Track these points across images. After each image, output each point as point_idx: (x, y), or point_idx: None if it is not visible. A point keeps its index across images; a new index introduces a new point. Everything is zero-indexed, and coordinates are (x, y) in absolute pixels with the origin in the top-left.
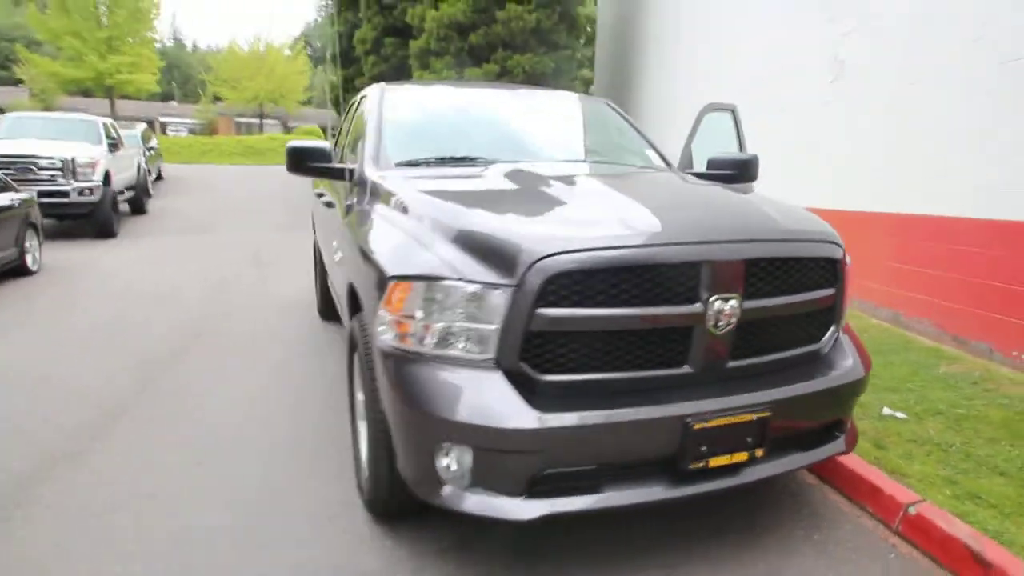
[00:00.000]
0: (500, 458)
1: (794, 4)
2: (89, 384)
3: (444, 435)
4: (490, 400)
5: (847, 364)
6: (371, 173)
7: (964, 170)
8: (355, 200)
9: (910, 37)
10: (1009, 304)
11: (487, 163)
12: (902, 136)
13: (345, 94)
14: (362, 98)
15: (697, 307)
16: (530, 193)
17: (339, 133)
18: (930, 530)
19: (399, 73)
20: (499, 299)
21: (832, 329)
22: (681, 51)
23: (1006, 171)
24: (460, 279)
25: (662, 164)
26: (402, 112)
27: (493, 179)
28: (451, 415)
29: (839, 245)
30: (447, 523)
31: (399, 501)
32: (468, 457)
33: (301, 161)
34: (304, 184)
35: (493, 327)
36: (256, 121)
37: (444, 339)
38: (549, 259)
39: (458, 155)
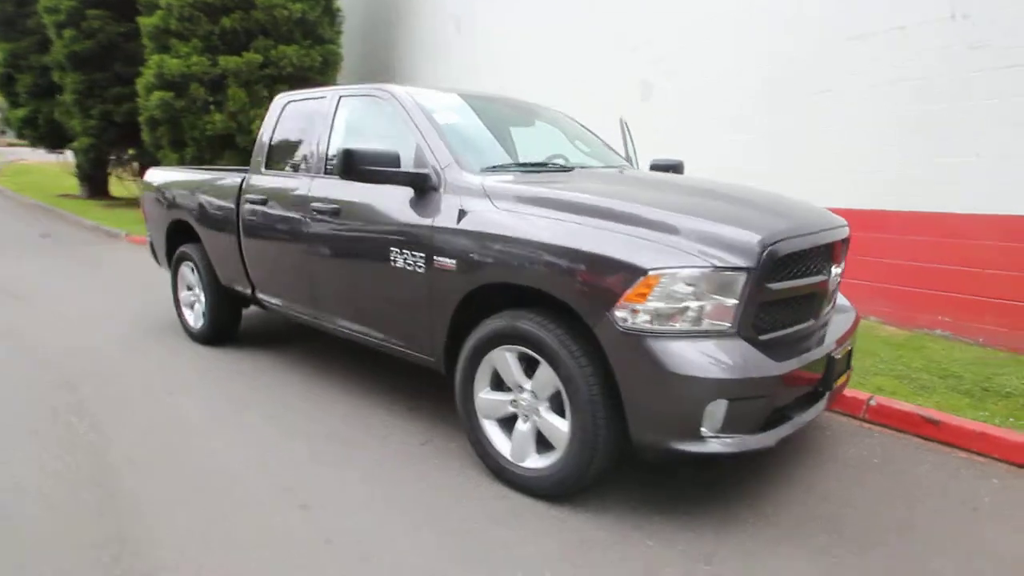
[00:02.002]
0: (751, 404)
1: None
2: None
3: (712, 393)
4: (746, 359)
5: (851, 307)
6: (471, 179)
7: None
8: (437, 206)
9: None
10: None
11: (563, 168)
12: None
13: (16, 72)
14: (345, 98)
15: (824, 275)
16: (677, 193)
17: (265, 140)
18: (888, 411)
19: (108, 52)
20: (740, 279)
21: None
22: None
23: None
24: (709, 267)
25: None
26: (448, 118)
27: (620, 181)
28: (721, 375)
29: None
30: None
31: (602, 470)
32: (722, 408)
33: (357, 165)
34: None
35: (734, 303)
36: None
37: (696, 318)
38: (777, 244)
39: (524, 160)
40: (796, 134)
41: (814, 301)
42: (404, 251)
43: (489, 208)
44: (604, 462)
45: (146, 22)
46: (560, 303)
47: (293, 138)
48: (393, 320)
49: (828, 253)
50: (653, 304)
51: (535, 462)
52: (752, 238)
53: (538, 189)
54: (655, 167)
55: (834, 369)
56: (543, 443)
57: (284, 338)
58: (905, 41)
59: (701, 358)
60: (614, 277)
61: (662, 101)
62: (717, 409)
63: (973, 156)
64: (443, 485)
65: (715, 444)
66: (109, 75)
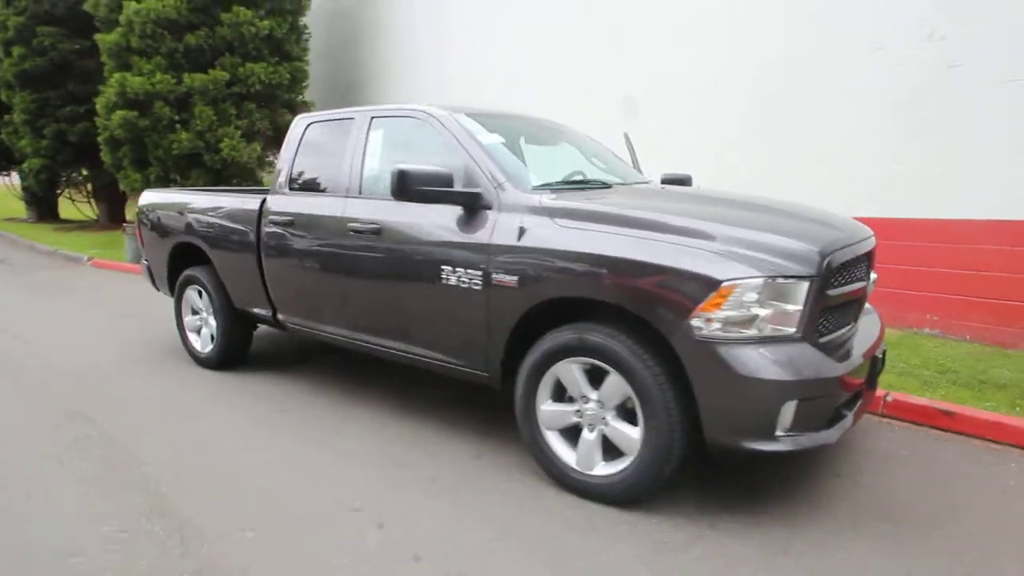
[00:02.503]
0: (818, 403)
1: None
2: None
3: (786, 395)
4: (813, 362)
5: (873, 310)
6: (527, 197)
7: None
8: (493, 224)
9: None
10: None
11: (603, 185)
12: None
13: None
14: (386, 119)
15: (864, 281)
16: (729, 207)
17: (287, 161)
18: (905, 406)
19: (62, 70)
20: (804, 287)
21: None
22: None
23: None
24: (778, 276)
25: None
26: (489, 138)
27: (667, 196)
28: (794, 378)
29: None
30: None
31: (673, 473)
32: (792, 408)
33: (411, 185)
34: None
35: (800, 309)
36: None
37: (765, 324)
38: (834, 254)
39: (566, 179)
40: (781, 145)
41: (856, 306)
42: (457, 269)
43: (551, 225)
44: (676, 465)
45: (105, 39)
46: (627, 315)
47: (319, 159)
48: (442, 337)
49: (868, 261)
50: (726, 313)
51: (604, 469)
52: (813, 248)
53: (595, 206)
54: (666, 181)
55: (877, 368)
56: (608, 451)
57: (296, 359)
58: (885, 58)
59: (775, 362)
60: (689, 288)
61: (648, 119)
62: (788, 409)
63: (953, 166)
64: (511, 497)
65: (786, 442)
66: (62, 94)
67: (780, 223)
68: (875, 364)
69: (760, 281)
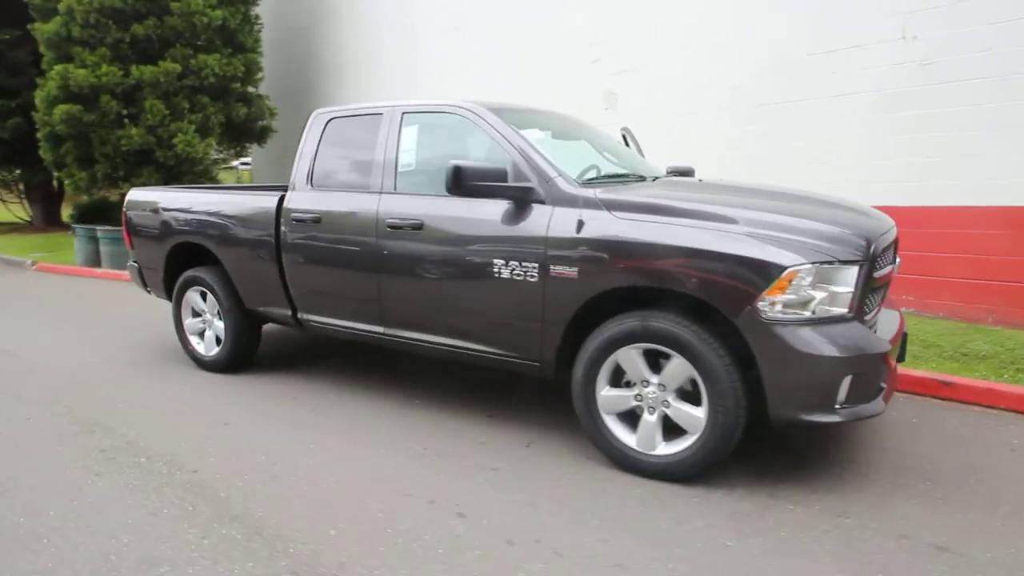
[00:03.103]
0: (869, 377)
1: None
2: None
3: (846, 370)
4: (866, 339)
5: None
6: (581, 191)
7: None
8: (547, 218)
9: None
10: None
11: (641, 178)
12: None
13: None
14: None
15: (893, 265)
16: (774, 199)
17: (308, 158)
18: (907, 378)
19: None
20: (856, 271)
21: None
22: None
23: None
24: (835, 261)
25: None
26: (531, 134)
27: (709, 188)
28: (852, 354)
29: None
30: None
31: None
32: (847, 382)
33: (466, 181)
34: None
35: (851, 291)
36: None
37: (823, 306)
38: (879, 239)
39: (607, 173)
40: (760, 139)
41: (885, 288)
42: (512, 262)
43: (609, 218)
44: (736, 441)
45: (43, 29)
46: (686, 300)
47: (345, 155)
48: (492, 330)
49: (895, 247)
50: (790, 296)
51: (666, 449)
52: (862, 235)
53: (649, 198)
54: (672, 172)
55: (906, 344)
56: (667, 431)
57: (301, 358)
58: (862, 58)
59: (834, 341)
60: (757, 275)
61: (628, 113)
62: (845, 383)
63: (926, 157)
64: (576, 481)
65: (843, 414)
66: None
67: (825, 212)
68: (904, 340)
69: (819, 266)
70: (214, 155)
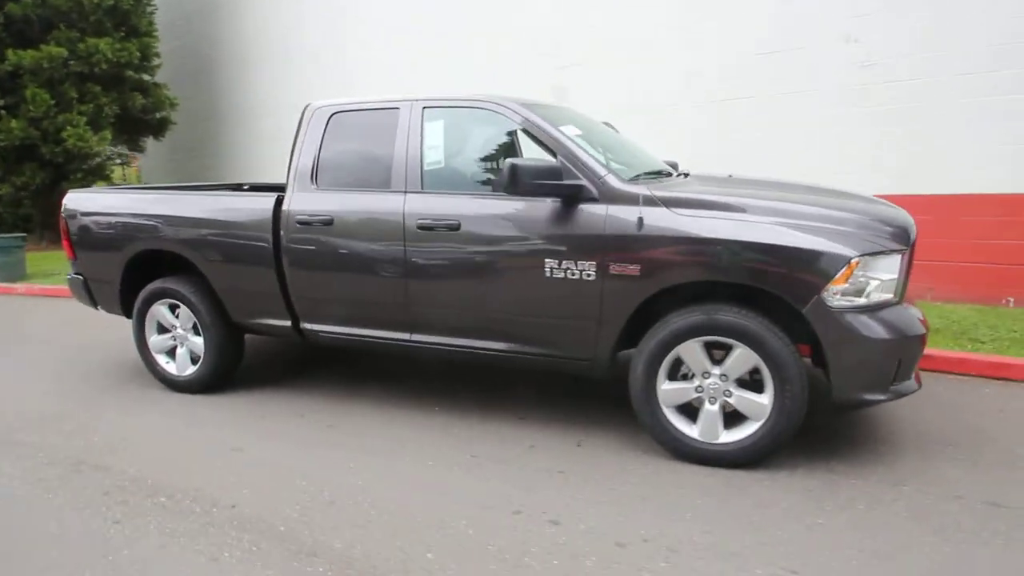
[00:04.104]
0: (914, 356)
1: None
2: None
3: (901, 351)
4: (911, 322)
5: None
6: (635, 188)
7: None
8: (602, 215)
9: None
10: None
11: (682, 174)
12: None
13: None
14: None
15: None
16: (815, 193)
17: (311, 155)
18: (934, 359)
19: None
20: (900, 258)
21: None
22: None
23: None
24: (890, 250)
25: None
26: (574, 131)
27: (745, 184)
28: (905, 336)
29: None
30: None
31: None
32: (895, 360)
33: (524, 179)
34: None
35: (896, 277)
36: None
37: (877, 292)
38: (913, 228)
39: (649, 171)
40: (709, 133)
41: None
42: (566, 261)
43: (669, 214)
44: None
45: None
46: (743, 291)
47: (356, 152)
48: (541, 331)
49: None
50: (851, 285)
51: (729, 437)
52: (902, 225)
53: (703, 195)
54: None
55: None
56: (729, 419)
57: (293, 371)
58: (806, 59)
59: (890, 324)
60: (823, 265)
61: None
62: (897, 363)
63: (875, 149)
64: (646, 476)
65: (892, 392)
66: None
67: (861, 205)
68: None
69: (874, 256)
70: (108, 150)
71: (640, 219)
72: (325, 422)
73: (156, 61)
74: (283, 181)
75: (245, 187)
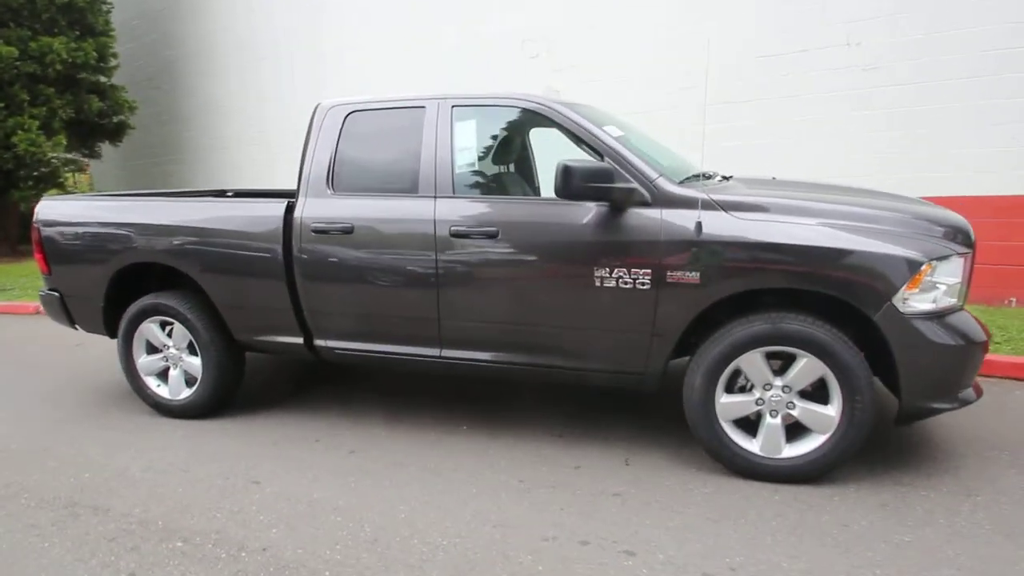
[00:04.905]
0: (978, 363)
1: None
2: None
3: (972, 357)
4: (976, 328)
5: None
6: (691, 192)
7: None
8: (656, 220)
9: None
10: None
11: (724, 177)
12: None
13: None
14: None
15: None
16: (871, 196)
17: (326, 158)
18: None
19: None
20: (964, 262)
21: None
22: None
23: None
24: (954, 253)
25: None
26: (619, 132)
27: (794, 186)
28: (975, 342)
29: None
30: None
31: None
32: (963, 367)
33: (578, 182)
34: None
35: (960, 281)
36: None
37: (945, 296)
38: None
39: (693, 173)
40: (710, 137)
41: None
42: (617, 270)
43: (731, 219)
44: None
45: None
46: (806, 298)
47: (377, 154)
48: (588, 344)
49: None
50: (921, 290)
51: (792, 451)
52: (962, 228)
53: (765, 198)
54: None
55: None
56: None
57: (290, 392)
58: (808, 61)
59: (959, 330)
60: (896, 270)
61: None
62: (964, 370)
63: (873, 154)
64: (708, 495)
65: (961, 399)
66: None
67: (920, 208)
68: None
69: (947, 260)
70: (63, 156)
71: (699, 224)
72: (345, 447)
73: (113, 62)
74: (266, 187)
75: (229, 194)
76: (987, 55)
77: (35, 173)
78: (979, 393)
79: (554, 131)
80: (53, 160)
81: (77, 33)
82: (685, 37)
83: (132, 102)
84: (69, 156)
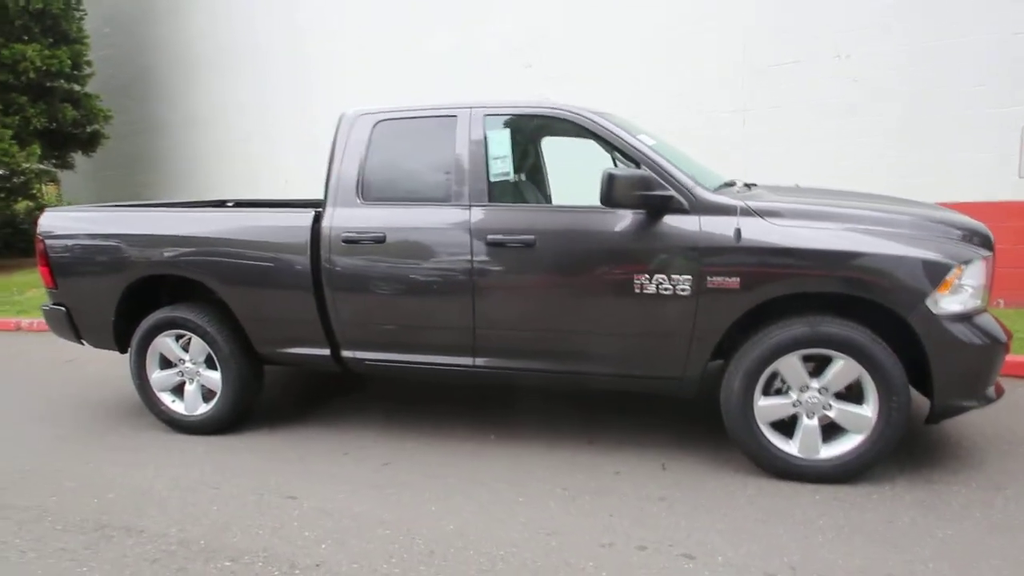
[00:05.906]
0: (1001, 362)
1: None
2: None
3: (999, 357)
4: (999, 328)
5: None
6: (727, 199)
7: None
8: (694, 227)
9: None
10: None
11: (748, 185)
12: None
13: None
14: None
15: None
16: (895, 203)
17: (354, 167)
18: None
19: None
20: (987, 264)
21: None
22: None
23: None
24: (980, 257)
25: None
26: (652, 140)
27: (818, 193)
28: (999, 341)
29: None
30: None
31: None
32: (989, 366)
33: (623, 190)
34: None
35: (984, 283)
36: None
37: (972, 298)
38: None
39: (724, 181)
40: (702, 146)
41: None
42: (658, 276)
43: (767, 225)
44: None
45: None
46: (849, 301)
47: (409, 162)
48: (627, 350)
49: None
50: (952, 292)
51: (829, 451)
52: (985, 232)
53: (800, 204)
54: None
55: None
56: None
57: (305, 403)
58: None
59: (986, 330)
60: (929, 273)
61: None
62: (990, 369)
63: (873, 159)
64: (752, 497)
65: (986, 397)
66: None
67: (940, 214)
68: None
69: (975, 262)
70: (36, 166)
71: (738, 231)
72: (378, 459)
73: (87, 70)
74: (267, 197)
75: (229, 204)
76: (980, 63)
77: (7, 185)
78: (1000, 392)
79: (561, 140)
80: (27, 170)
81: (51, 40)
82: (677, 46)
83: (107, 111)
84: (42, 167)
